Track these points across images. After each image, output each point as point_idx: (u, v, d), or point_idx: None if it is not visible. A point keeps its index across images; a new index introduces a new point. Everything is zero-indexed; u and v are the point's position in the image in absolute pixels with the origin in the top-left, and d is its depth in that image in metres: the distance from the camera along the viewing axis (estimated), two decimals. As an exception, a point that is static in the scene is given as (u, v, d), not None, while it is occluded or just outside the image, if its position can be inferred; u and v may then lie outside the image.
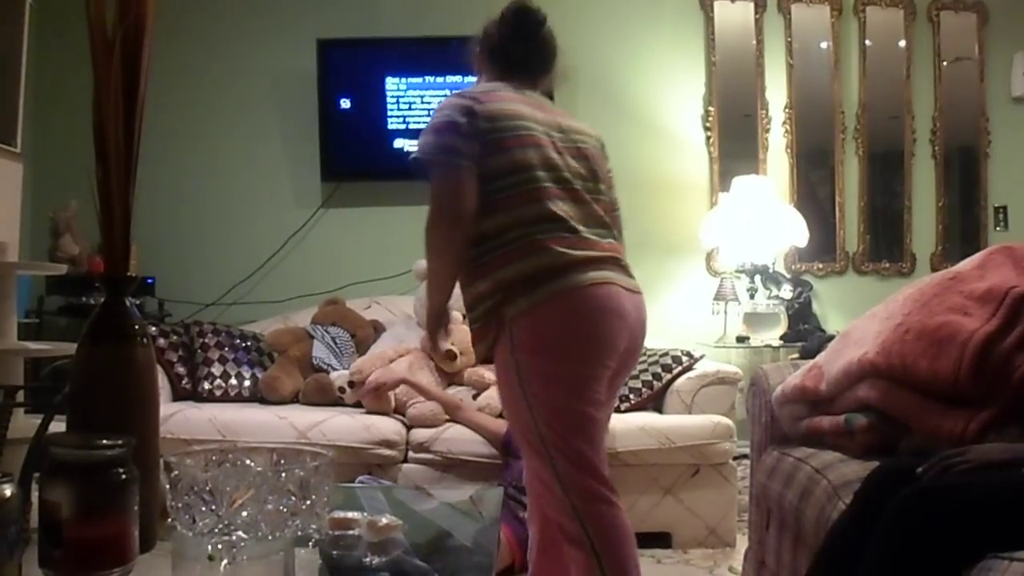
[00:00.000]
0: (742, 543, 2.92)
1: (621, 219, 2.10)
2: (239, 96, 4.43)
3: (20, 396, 2.43)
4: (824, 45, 4.53)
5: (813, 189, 4.57)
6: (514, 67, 2.05)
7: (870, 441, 1.98)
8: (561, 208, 1.88)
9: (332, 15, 4.40)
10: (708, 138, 4.47)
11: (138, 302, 3.83)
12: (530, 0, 2.07)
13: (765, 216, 4.03)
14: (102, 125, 1.16)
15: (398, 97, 4.30)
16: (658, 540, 3.20)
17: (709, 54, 4.48)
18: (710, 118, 4.46)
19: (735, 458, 3.29)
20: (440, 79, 4.30)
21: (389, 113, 4.30)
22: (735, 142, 4.48)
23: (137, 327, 1.20)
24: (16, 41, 3.20)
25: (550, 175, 1.90)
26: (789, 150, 4.50)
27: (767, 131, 4.49)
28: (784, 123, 4.50)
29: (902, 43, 4.52)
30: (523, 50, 2.05)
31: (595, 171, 2.00)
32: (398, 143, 4.29)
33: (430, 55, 4.33)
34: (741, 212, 4.03)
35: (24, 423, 2.25)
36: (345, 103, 4.31)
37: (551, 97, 2.25)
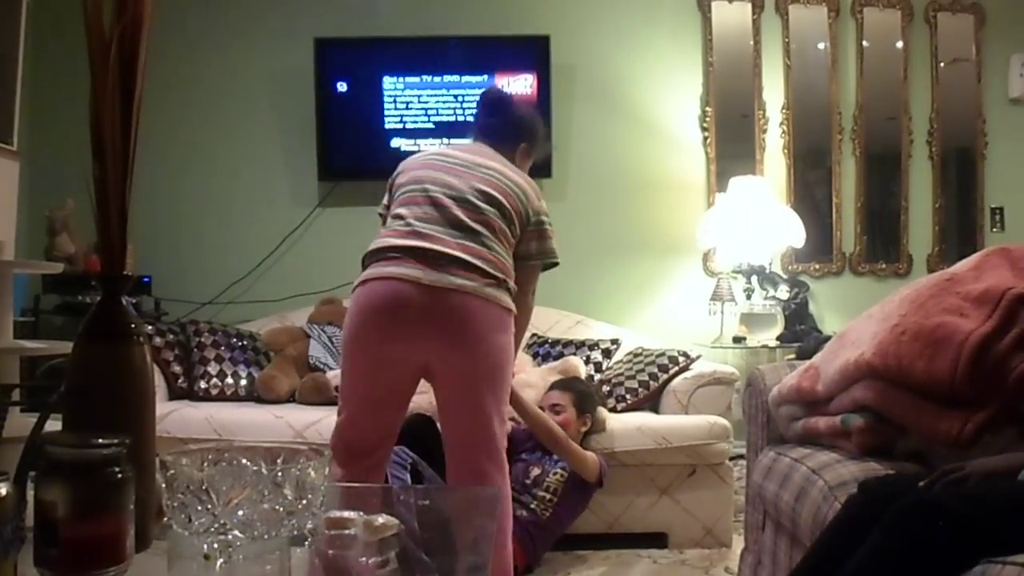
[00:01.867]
0: (738, 543, 2.92)
1: (508, 239, 2.29)
2: (236, 95, 4.42)
3: (16, 395, 2.43)
4: (821, 46, 4.53)
5: (810, 190, 4.57)
6: (479, 132, 2.53)
7: (866, 442, 1.98)
8: (412, 211, 2.24)
9: (329, 14, 4.40)
10: (705, 138, 4.48)
11: (134, 301, 3.83)
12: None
13: (762, 217, 4.04)
14: (99, 124, 1.15)
15: (395, 96, 4.29)
16: (654, 540, 3.20)
17: (707, 55, 4.49)
18: (707, 118, 4.47)
19: (731, 458, 3.29)
20: (437, 78, 4.30)
21: (386, 112, 4.29)
22: (732, 143, 4.48)
23: (133, 326, 1.19)
24: (13, 40, 3.20)
25: (419, 187, 2.28)
26: (786, 151, 4.50)
27: (764, 132, 4.49)
28: (781, 124, 4.50)
29: (899, 44, 4.53)
30: (488, 121, 2.52)
31: (487, 194, 2.27)
32: (395, 142, 4.29)
33: (427, 54, 4.33)
34: (738, 213, 4.04)
35: (20, 422, 2.25)
36: (342, 102, 4.31)
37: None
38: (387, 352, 2.17)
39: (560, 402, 3.09)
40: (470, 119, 4.25)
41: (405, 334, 2.14)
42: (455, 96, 4.29)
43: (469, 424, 2.22)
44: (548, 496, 2.95)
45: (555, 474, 2.97)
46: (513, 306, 2.24)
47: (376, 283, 2.16)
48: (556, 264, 2.43)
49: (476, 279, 2.15)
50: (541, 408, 3.11)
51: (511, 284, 2.25)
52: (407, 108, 4.29)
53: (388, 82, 4.29)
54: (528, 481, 2.97)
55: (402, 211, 2.26)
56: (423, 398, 3.17)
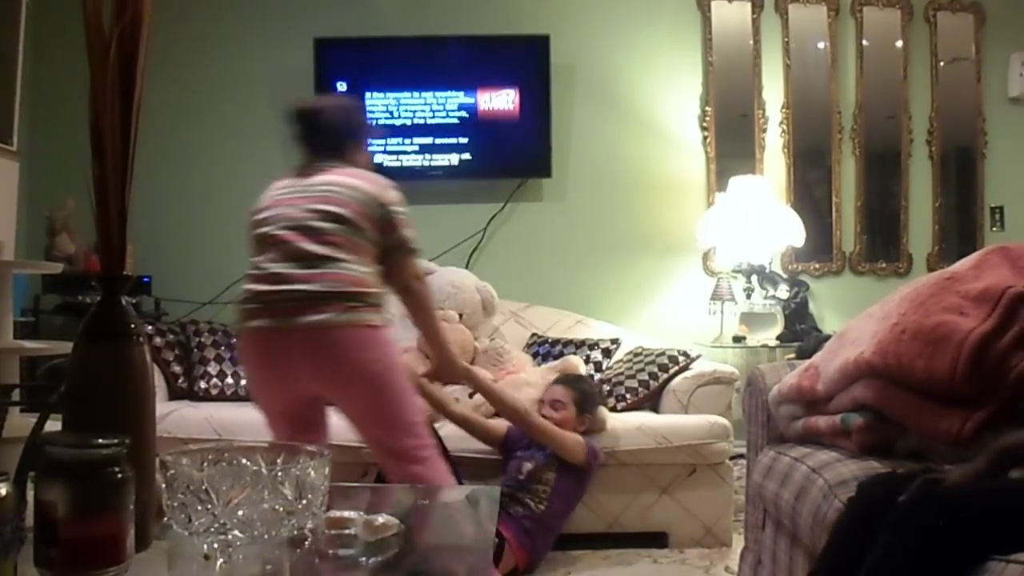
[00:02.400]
0: (738, 543, 2.92)
1: (364, 247, 2.34)
2: (236, 95, 4.42)
3: (16, 395, 2.43)
4: (821, 45, 4.53)
5: (810, 189, 4.57)
6: (306, 151, 2.55)
7: (866, 441, 1.98)
8: (264, 256, 2.31)
9: (329, 14, 4.40)
10: (705, 138, 4.48)
11: (134, 301, 3.83)
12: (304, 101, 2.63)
13: (762, 216, 4.04)
14: (98, 124, 1.16)
15: (396, 96, 4.30)
16: (655, 540, 3.20)
17: (706, 54, 4.49)
18: (707, 118, 4.47)
19: (732, 458, 3.29)
20: (438, 77, 4.30)
21: (387, 111, 4.29)
22: (732, 142, 4.48)
23: (133, 326, 1.20)
24: (13, 40, 3.20)
25: (265, 230, 2.33)
26: (786, 150, 4.50)
27: (764, 131, 4.49)
28: (781, 123, 4.50)
29: (899, 43, 4.53)
30: (309, 138, 2.55)
31: (327, 212, 2.31)
32: (395, 142, 4.29)
33: (427, 54, 4.33)
34: (738, 212, 4.04)
35: (20, 422, 2.25)
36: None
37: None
38: (277, 395, 2.35)
39: (562, 399, 3.07)
40: (468, 118, 4.28)
41: (283, 379, 2.29)
42: (455, 95, 4.29)
43: (376, 438, 2.34)
44: (542, 488, 2.91)
45: (548, 466, 2.95)
46: (378, 319, 2.29)
47: (246, 338, 2.32)
48: (415, 251, 2.45)
49: (331, 309, 2.21)
50: (543, 401, 3.11)
51: (375, 296, 2.30)
52: (407, 107, 4.29)
53: (388, 81, 4.29)
54: (522, 477, 2.94)
55: (256, 259, 2.33)
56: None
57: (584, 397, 3.11)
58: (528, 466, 2.97)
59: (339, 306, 2.21)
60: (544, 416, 3.04)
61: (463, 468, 3.01)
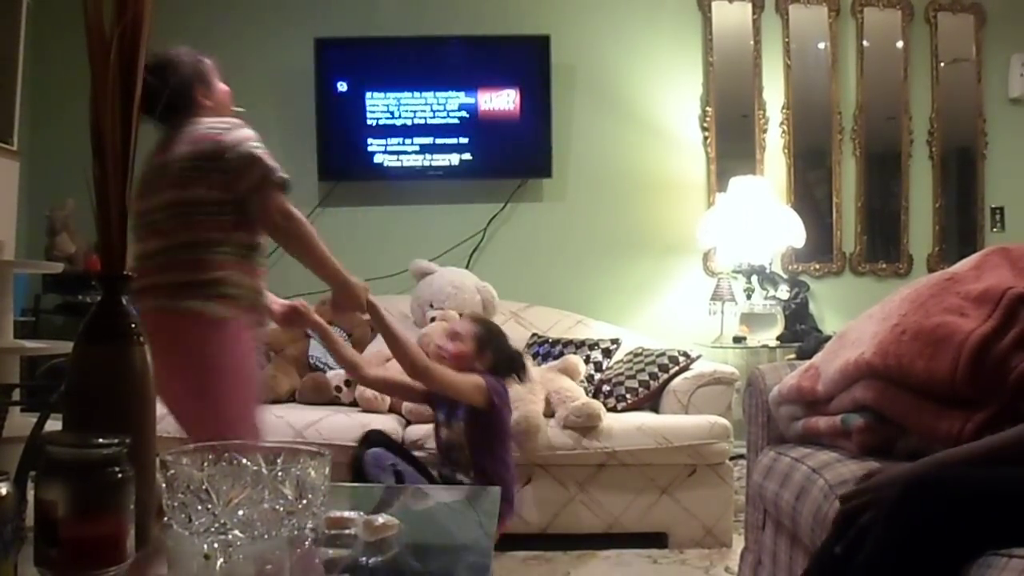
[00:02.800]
0: (738, 543, 2.92)
1: (206, 221, 2.18)
2: (236, 95, 4.36)
3: (16, 395, 2.44)
4: (822, 46, 4.53)
5: (810, 189, 4.57)
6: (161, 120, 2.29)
7: (867, 441, 1.98)
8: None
9: (329, 14, 4.40)
10: (705, 138, 4.48)
11: (135, 301, 3.82)
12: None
13: (762, 216, 4.04)
14: (99, 124, 1.16)
15: (396, 96, 4.30)
16: (655, 540, 3.20)
17: (707, 55, 4.49)
18: (708, 118, 4.47)
19: (732, 458, 3.29)
20: (438, 78, 4.30)
21: (387, 112, 4.29)
22: (732, 142, 4.48)
23: (133, 326, 1.20)
24: (13, 40, 3.21)
25: (131, 230, 2.23)
26: (786, 151, 4.50)
27: (764, 131, 4.49)
28: (781, 124, 4.50)
29: (900, 44, 4.53)
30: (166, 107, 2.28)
31: (170, 200, 2.18)
32: (395, 141, 4.29)
33: (427, 54, 4.33)
34: (738, 212, 4.04)
35: (20, 421, 2.25)
36: (342, 102, 4.31)
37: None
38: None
39: (461, 331, 2.77)
40: (469, 118, 4.28)
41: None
42: (455, 95, 4.29)
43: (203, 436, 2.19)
44: (463, 455, 2.70)
45: (457, 430, 2.72)
46: (216, 310, 2.14)
47: None
48: (283, 180, 2.29)
49: (161, 295, 2.11)
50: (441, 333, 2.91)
51: (216, 282, 2.15)
52: (408, 107, 4.29)
53: (388, 81, 4.29)
54: (444, 448, 2.77)
55: None
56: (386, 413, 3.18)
57: (489, 334, 2.80)
58: (444, 432, 2.77)
59: (167, 291, 2.12)
60: (439, 346, 2.77)
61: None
